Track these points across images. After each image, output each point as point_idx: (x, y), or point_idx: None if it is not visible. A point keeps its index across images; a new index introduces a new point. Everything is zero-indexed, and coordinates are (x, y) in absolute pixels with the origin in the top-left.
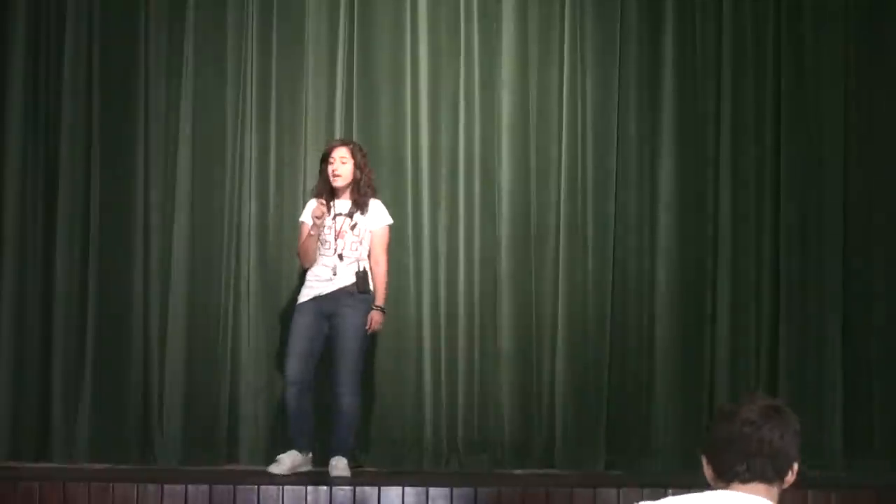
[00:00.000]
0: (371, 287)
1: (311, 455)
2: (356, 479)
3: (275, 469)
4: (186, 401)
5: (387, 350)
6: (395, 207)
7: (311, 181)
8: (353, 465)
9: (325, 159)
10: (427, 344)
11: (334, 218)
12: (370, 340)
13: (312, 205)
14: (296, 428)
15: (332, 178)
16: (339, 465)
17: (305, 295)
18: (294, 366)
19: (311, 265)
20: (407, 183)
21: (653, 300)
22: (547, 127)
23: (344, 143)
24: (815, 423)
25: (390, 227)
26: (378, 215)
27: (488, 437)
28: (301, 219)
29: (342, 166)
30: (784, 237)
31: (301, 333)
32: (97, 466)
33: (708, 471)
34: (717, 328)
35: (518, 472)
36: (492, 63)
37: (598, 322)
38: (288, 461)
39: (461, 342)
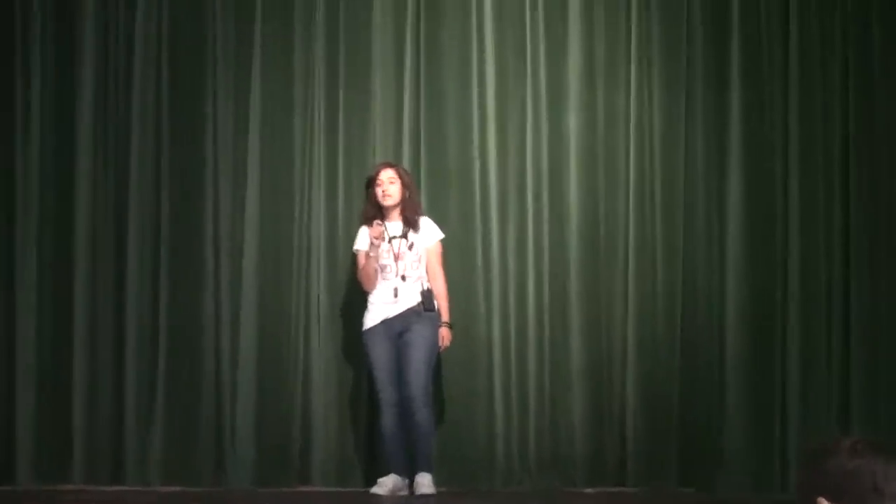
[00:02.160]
0: (436, 304)
1: (408, 481)
2: (426, 499)
3: (378, 490)
4: (258, 422)
5: (457, 368)
6: (463, 226)
7: None
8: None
9: (370, 184)
10: (497, 361)
11: (390, 241)
12: (439, 357)
13: (363, 233)
14: (393, 451)
15: (382, 199)
16: (424, 482)
17: (372, 319)
18: (388, 390)
19: (373, 289)
20: (475, 202)
21: (723, 315)
22: (614, 145)
23: (389, 164)
24: (888, 435)
25: (442, 241)
26: (430, 231)
27: (560, 454)
28: (355, 247)
29: (391, 186)
30: (854, 250)
31: (382, 359)
32: (170, 489)
33: None
34: (788, 341)
35: (589, 490)
36: (559, 85)
37: (668, 337)
38: (390, 483)
39: (531, 359)
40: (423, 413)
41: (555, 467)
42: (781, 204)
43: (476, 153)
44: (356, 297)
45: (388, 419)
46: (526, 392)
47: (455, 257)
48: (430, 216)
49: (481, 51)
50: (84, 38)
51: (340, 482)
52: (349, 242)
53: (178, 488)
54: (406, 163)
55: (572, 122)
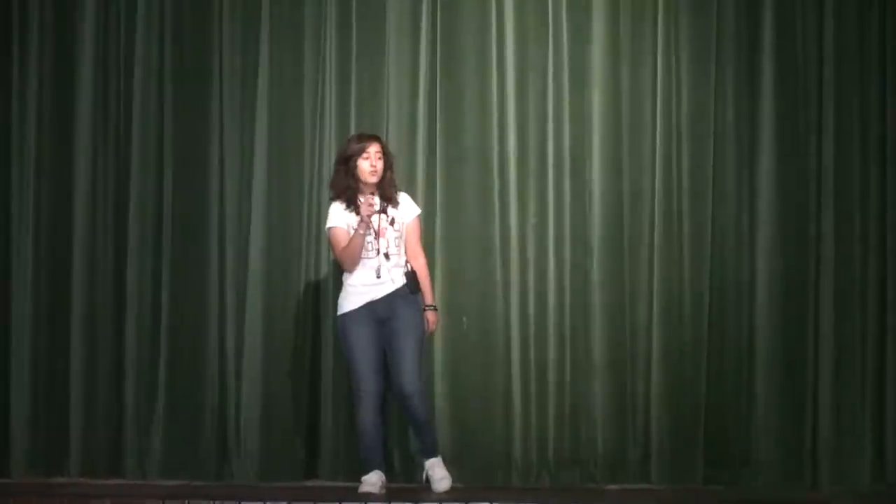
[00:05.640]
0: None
1: (383, 478)
2: (443, 495)
3: (369, 489)
4: (264, 414)
5: (473, 360)
6: (480, 209)
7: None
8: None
9: (353, 156)
10: (515, 352)
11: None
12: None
13: (338, 209)
14: (372, 446)
15: (368, 175)
16: (437, 474)
17: (355, 302)
18: (370, 379)
19: (355, 269)
20: (493, 184)
21: (752, 305)
22: (640, 125)
23: (376, 137)
24: None
25: (420, 217)
26: (409, 207)
27: (580, 450)
28: (331, 225)
29: (379, 162)
30: (891, 239)
31: (365, 344)
32: (171, 483)
33: None
34: (821, 333)
35: (612, 487)
36: (582, 57)
37: (694, 329)
38: (377, 480)
39: (551, 351)
40: (423, 406)
41: (575, 463)
42: (815, 187)
43: (494, 133)
44: None
45: (367, 411)
46: (545, 385)
47: (472, 243)
48: (445, 199)
49: (500, 24)
50: (84, 11)
51: (349, 477)
52: None
53: (179, 482)
54: (421, 143)
55: (595, 99)
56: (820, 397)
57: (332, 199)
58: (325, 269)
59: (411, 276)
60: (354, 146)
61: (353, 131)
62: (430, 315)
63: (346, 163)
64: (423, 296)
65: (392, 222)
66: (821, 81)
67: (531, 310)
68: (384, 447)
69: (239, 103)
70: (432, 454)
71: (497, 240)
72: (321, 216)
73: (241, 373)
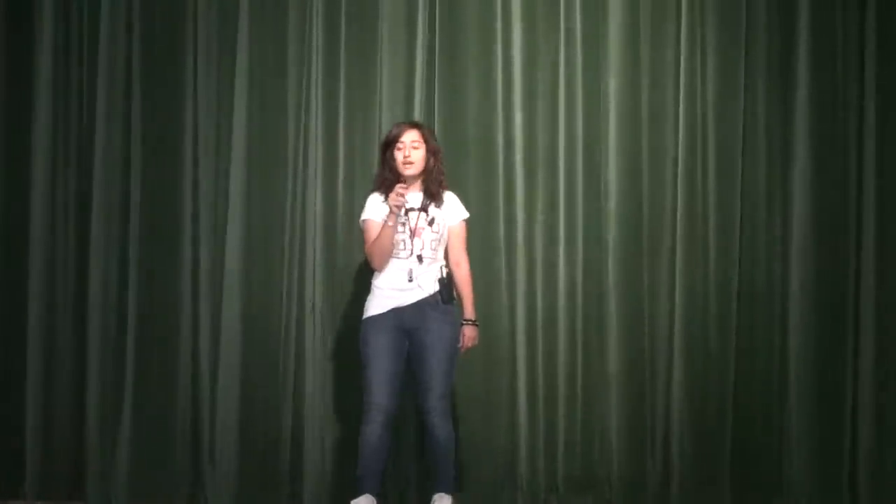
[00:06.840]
0: (455, 296)
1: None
2: None
3: None
4: (241, 433)
5: (475, 373)
6: (484, 206)
7: None
8: None
9: (390, 144)
10: (521, 363)
11: (406, 214)
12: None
13: (375, 201)
14: (372, 467)
15: (402, 167)
16: None
17: (380, 306)
18: (382, 392)
19: (384, 268)
20: (498, 179)
21: (785, 313)
22: (661, 115)
23: (414, 125)
24: None
25: (467, 221)
26: (455, 208)
27: (594, 473)
28: (365, 217)
29: (414, 151)
30: None
31: (383, 353)
32: None
33: None
34: (861, 344)
35: None
36: (597, 42)
37: (721, 339)
38: None
39: (561, 361)
40: (444, 428)
41: (587, 487)
42: (855, 179)
43: (499, 120)
44: (358, 287)
45: (373, 428)
46: (554, 399)
47: (475, 242)
48: None
49: (507, 1)
50: None
51: (336, 501)
52: (350, 220)
53: None
54: None
55: (612, 85)
56: (860, 416)
57: (372, 189)
58: (309, 274)
59: (445, 283)
60: (392, 132)
61: (341, 120)
62: (468, 330)
63: (385, 151)
64: (461, 307)
65: (431, 223)
66: (862, 61)
67: (539, 316)
68: (383, 473)
69: (215, 86)
70: (442, 489)
71: (501, 239)
72: (305, 217)
73: (217, 387)
